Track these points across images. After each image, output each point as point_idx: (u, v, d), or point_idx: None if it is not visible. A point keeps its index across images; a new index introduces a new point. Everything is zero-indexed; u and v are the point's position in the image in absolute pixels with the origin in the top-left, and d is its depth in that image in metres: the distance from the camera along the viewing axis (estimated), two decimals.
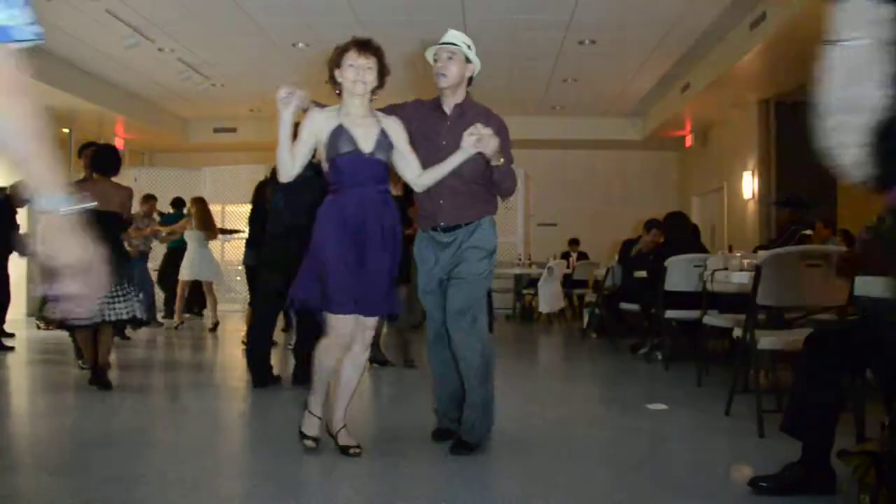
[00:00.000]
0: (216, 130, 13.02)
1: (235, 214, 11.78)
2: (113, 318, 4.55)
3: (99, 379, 4.55)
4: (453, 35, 3.13)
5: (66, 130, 11.22)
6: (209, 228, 8.55)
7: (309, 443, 3.07)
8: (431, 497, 2.60)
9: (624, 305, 6.77)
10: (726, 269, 4.22)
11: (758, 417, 3.36)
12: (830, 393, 2.47)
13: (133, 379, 5.19)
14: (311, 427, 3.09)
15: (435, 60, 3.11)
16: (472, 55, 3.12)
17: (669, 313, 5.46)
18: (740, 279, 3.73)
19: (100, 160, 4.87)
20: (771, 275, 3.29)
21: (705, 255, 5.34)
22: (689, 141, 12.29)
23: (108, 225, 4.50)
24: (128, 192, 4.94)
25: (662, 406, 4.12)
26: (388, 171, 3.02)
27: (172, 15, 7.93)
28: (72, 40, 8.72)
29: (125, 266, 4.85)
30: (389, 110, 3.12)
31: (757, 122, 9.92)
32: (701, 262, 5.05)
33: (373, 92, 2.98)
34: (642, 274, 6.18)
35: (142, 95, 11.28)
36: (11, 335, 6.93)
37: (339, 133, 2.89)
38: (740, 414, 3.69)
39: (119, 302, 4.55)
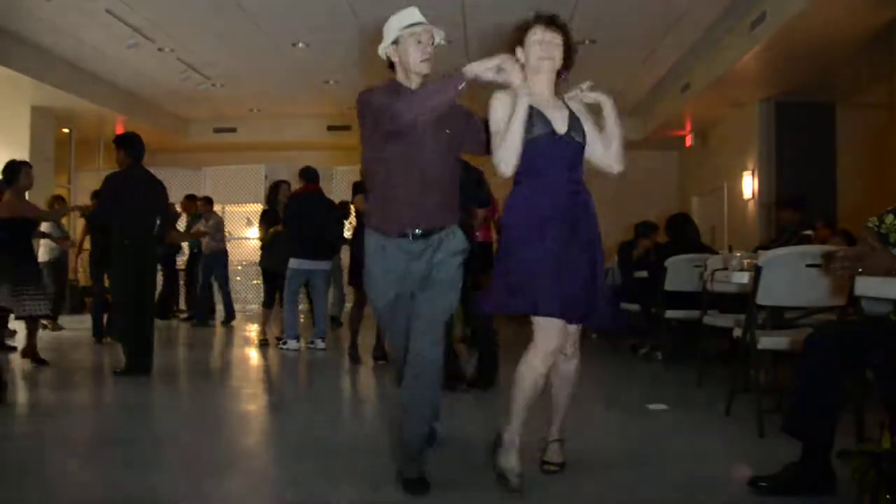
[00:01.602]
0: (216, 130, 13.03)
1: (235, 214, 11.79)
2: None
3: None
4: (418, 13, 2.76)
5: (66, 130, 11.22)
6: None
7: (514, 480, 2.56)
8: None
9: (624, 305, 6.76)
10: (726, 269, 4.22)
11: (758, 417, 3.35)
12: (830, 393, 2.47)
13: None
14: (510, 459, 2.59)
15: (418, 42, 2.69)
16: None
17: (669, 313, 5.46)
18: (740, 279, 3.73)
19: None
20: (771, 275, 3.29)
21: (705, 255, 5.33)
22: (689, 141, 12.28)
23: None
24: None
25: (662, 406, 4.12)
26: (582, 156, 2.69)
27: (172, 15, 7.93)
28: (72, 40, 8.72)
29: None
30: (367, 94, 2.69)
31: (757, 122, 9.92)
32: (701, 262, 5.04)
33: (558, 74, 2.70)
34: (643, 274, 6.18)
35: (142, 95, 11.28)
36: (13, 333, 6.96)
37: (530, 114, 2.56)
38: (740, 414, 3.69)
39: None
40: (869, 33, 6.99)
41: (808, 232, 5.46)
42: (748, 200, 10.28)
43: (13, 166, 5.71)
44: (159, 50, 8.97)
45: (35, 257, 6.08)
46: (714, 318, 4.46)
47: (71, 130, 11.31)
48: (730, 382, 3.85)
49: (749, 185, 10.19)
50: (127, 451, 3.20)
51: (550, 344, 2.59)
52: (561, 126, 2.60)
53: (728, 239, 10.70)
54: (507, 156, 2.53)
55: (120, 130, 11.97)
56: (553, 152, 2.59)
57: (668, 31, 8.35)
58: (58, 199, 8.47)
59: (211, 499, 2.64)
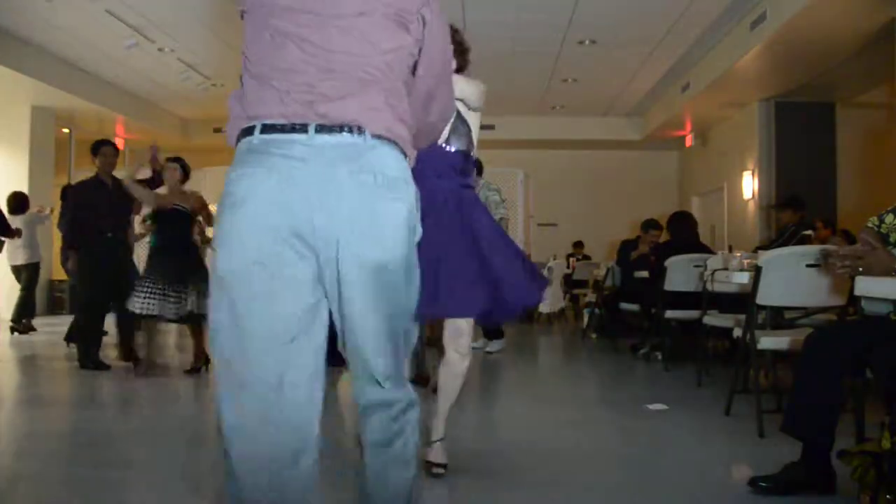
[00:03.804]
0: (216, 130, 13.02)
1: None
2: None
3: None
4: None
5: (66, 130, 11.22)
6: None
7: (439, 470, 2.72)
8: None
9: (624, 305, 6.77)
10: (726, 269, 4.22)
11: (758, 417, 3.35)
12: (830, 393, 2.47)
13: None
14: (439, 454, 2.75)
15: None
16: None
17: (669, 313, 5.46)
18: (740, 279, 3.73)
19: None
20: (771, 275, 3.29)
21: (705, 255, 5.33)
22: (689, 141, 12.30)
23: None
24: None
25: (662, 406, 4.12)
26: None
27: (172, 15, 7.93)
28: (72, 40, 8.72)
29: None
30: None
31: (757, 122, 9.93)
32: (701, 262, 5.04)
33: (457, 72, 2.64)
34: (643, 274, 6.18)
35: (142, 95, 11.28)
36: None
37: None
38: (740, 414, 3.69)
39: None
40: (869, 33, 7.00)
41: (808, 232, 5.46)
42: (748, 200, 10.29)
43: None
44: (159, 50, 8.97)
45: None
46: (714, 318, 4.46)
47: (71, 130, 11.30)
48: (730, 382, 3.84)
49: (749, 185, 10.20)
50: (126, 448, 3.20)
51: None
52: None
53: (728, 239, 10.72)
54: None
55: (120, 130, 11.99)
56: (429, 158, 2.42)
57: (667, 31, 8.35)
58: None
59: (215, 499, 2.64)
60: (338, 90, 1.43)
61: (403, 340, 1.52)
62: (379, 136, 1.45)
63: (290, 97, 1.42)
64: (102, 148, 5.47)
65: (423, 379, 4.51)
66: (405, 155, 1.52)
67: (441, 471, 2.71)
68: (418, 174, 1.64)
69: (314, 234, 1.40)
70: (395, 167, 1.47)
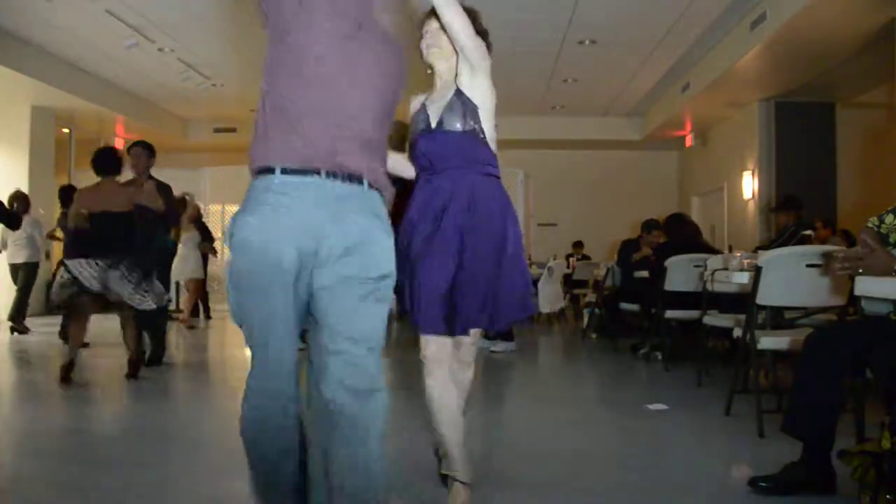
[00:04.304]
0: (216, 130, 13.04)
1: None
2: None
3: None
4: None
5: (66, 130, 11.23)
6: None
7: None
8: None
9: (624, 305, 6.77)
10: (726, 269, 4.22)
11: (758, 417, 3.36)
12: (830, 393, 2.47)
13: None
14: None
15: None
16: None
17: (669, 313, 5.46)
18: (740, 279, 3.73)
19: (100, 162, 4.93)
20: (771, 275, 3.29)
21: (705, 255, 5.33)
22: (689, 141, 12.31)
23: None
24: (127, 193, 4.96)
25: (662, 406, 4.12)
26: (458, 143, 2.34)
27: (172, 15, 7.94)
28: (72, 40, 8.73)
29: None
30: None
31: (757, 122, 9.94)
32: (701, 262, 5.05)
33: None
34: (643, 274, 6.19)
35: (142, 95, 11.29)
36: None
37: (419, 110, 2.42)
38: (740, 414, 3.69)
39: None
40: (869, 33, 7.00)
41: (808, 232, 5.46)
42: (748, 200, 10.29)
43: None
44: (159, 50, 8.98)
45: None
46: (714, 318, 4.46)
47: (71, 130, 11.31)
48: (730, 382, 3.85)
49: (749, 185, 10.21)
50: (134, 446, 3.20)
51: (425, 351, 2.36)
52: (434, 119, 2.34)
53: (728, 239, 10.72)
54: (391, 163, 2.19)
55: (120, 130, 11.99)
56: (428, 147, 2.34)
57: (667, 31, 8.35)
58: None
59: (212, 499, 2.64)
60: None
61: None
62: None
63: None
64: (132, 149, 5.51)
65: None
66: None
67: None
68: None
69: None
70: None
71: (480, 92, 2.32)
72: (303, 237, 1.66)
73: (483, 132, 2.33)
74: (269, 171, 1.71)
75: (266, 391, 1.71)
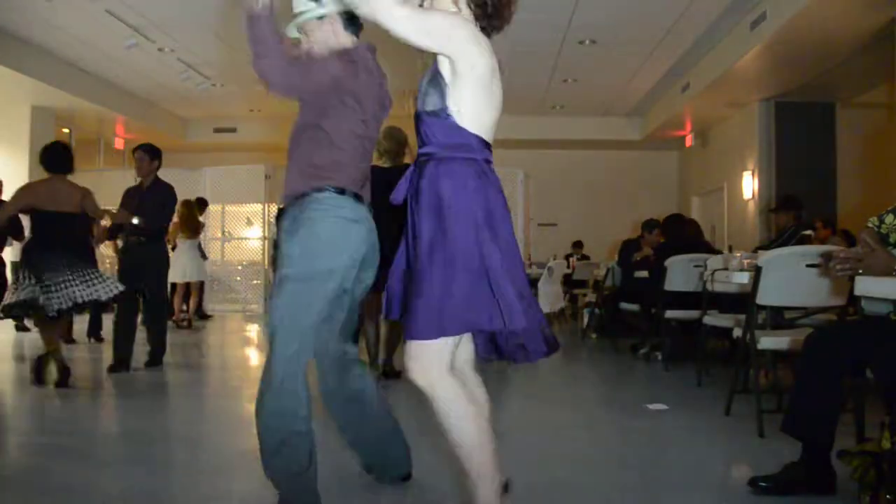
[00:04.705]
0: (216, 130, 13.04)
1: (235, 214, 11.80)
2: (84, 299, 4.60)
3: None
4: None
5: (66, 130, 11.24)
6: (194, 231, 8.86)
7: None
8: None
9: (624, 305, 6.77)
10: (726, 269, 4.22)
11: (758, 417, 3.35)
12: (830, 393, 2.47)
13: None
14: None
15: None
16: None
17: (669, 313, 5.46)
18: (740, 279, 3.73)
19: (50, 158, 4.76)
20: (771, 275, 3.29)
21: (705, 255, 5.33)
22: (689, 141, 12.31)
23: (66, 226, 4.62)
24: (83, 192, 4.76)
25: (662, 406, 4.12)
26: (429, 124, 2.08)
27: (172, 15, 7.94)
28: (72, 40, 8.73)
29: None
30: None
31: (757, 122, 9.94)
32: (701, 262, 5.05)
33: None
34: (643, 274, 6.18)
35: (142, 95, 11.29)
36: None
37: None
38: (740, 414, 3.69)
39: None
40: (869, 33, 7.00)
41: (808, 232, 5.46)
42: (748, 200, 10.29)
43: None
44: (159, 50, 8.98)
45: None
46: (714, 318, 4.46)
47: (71, 130, 11.31)
48: (730, 382, 3.85)
49: (749, 185, 10.20)
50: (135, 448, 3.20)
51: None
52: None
53: (728, 239, 10.72)
54: None
55: (120, 130, 12.00)
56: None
57: (667, 31, 8.35)
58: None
59: (213, 498, 2.64)
60: None
61: None
62: None
63: None
64: (135, 153, 5.45)
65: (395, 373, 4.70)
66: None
67: None
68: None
69: None
70: None
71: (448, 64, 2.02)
72: None
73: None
74: None
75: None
